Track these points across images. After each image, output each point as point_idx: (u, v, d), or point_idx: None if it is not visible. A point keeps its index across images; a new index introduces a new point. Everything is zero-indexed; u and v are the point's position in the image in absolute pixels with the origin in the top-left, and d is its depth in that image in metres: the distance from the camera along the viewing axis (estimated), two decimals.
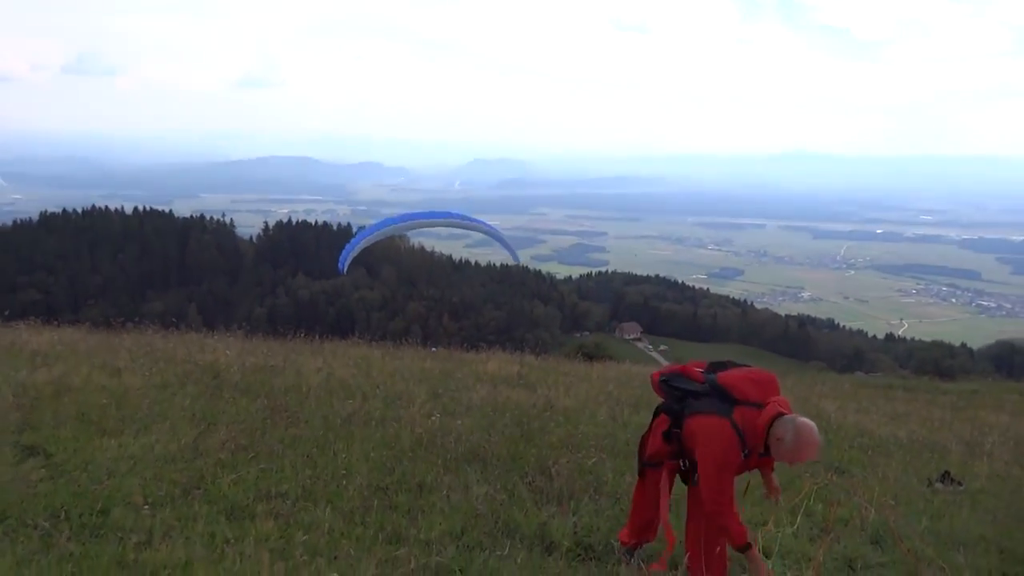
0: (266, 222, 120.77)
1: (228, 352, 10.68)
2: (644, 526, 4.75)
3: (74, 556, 3.97)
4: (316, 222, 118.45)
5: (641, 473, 4.71)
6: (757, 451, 4.13)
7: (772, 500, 4.63)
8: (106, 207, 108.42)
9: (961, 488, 7.71)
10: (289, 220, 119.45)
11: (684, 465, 4.47)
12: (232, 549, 4.19)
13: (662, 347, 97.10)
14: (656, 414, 4.62)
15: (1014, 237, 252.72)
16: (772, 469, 4.56)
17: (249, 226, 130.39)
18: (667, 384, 4.51)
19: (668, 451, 4.47)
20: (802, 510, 5.53)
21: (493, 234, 10.00)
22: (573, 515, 5.40)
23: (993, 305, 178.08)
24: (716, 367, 4.44)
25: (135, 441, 5.92)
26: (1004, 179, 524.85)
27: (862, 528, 5.81)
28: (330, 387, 8.89)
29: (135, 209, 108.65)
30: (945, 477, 7.93)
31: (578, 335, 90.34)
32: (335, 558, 4.28)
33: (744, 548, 4.10)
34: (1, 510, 4.44)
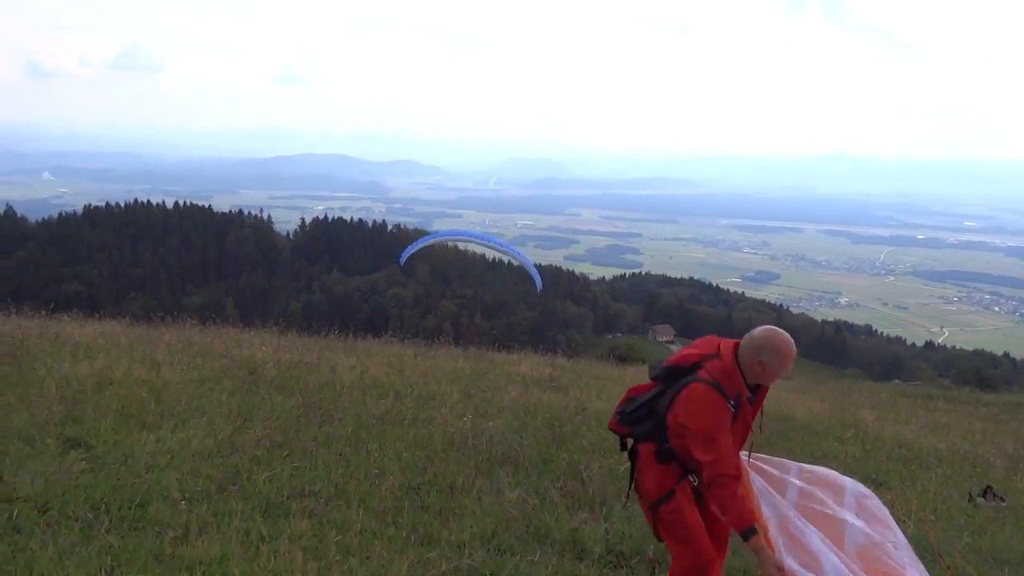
0: (303, 218, 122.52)
1: (264, 348, 10.81)
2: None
3: (113, 549, 4.04)
4: (352, 219, 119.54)
5: (655, 511, 3.83)
6: (744, 397, 3.62)
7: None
8: (148, 201, 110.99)
9: (1004, 504, 7.52)
10: (325, 216, 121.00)
11: (695, 481, 3.79)
12: (267, 547, 4.24)
13: None
14: (633, 454, 3.98)
15: None
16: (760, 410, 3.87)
17: (286, 222, 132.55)
18: (621, 415, 3.98)
19: (672, 473, 3.78)
20: None
21: (525, 264, 10.27)
22: (605, 521, 5.36)
23: None
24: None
25: (173, 436, 6.01)
26: None
27: None
28: (363, 385, 8.93)
29: (176, 204, 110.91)
30: (987, 492, 7.74)
31: (611, 337, 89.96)
32: (367, 558, 4.32)
33: (748, 533, 3.42)
34: (45, 501, 4.53)
